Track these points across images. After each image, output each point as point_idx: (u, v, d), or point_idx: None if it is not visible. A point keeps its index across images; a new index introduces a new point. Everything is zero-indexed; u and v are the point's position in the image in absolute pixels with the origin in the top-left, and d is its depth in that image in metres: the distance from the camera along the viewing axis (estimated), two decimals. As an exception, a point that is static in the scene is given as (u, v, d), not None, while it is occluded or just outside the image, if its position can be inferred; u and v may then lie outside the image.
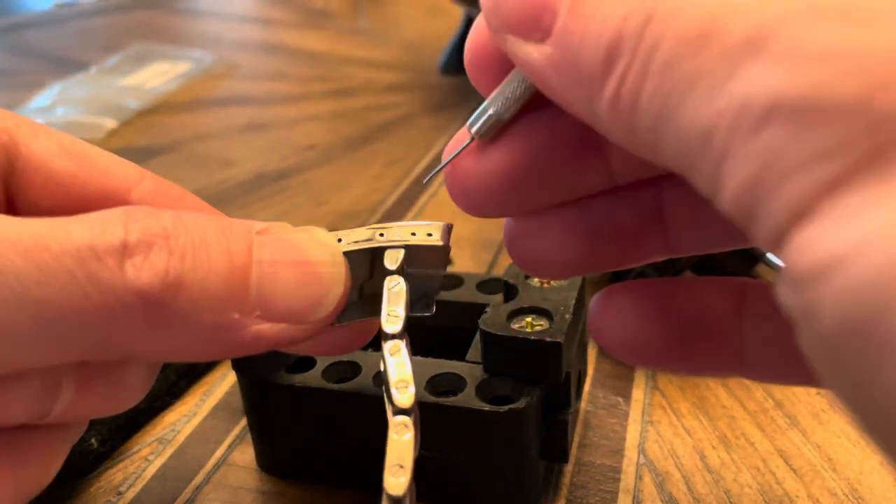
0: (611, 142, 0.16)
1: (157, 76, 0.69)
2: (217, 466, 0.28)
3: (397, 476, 0.17)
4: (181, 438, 0.29)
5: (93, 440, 0.28)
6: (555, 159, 0.17)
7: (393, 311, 0.19)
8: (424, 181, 0.20)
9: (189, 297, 0.16)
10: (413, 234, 0.20)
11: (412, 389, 0.18)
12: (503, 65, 0.16)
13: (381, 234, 0.19)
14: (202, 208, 0.21)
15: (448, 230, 0.20)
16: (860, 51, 0.11)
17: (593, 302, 0.19)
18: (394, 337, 0.19)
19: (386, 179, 0.50)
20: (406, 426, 0.18)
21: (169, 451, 0.28)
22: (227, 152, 0.55)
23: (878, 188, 0.10)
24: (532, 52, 0.14)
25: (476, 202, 0.18)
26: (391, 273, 0.19)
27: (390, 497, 0.17)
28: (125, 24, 0.90)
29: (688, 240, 0.18)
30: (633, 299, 0.19)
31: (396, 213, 0.46)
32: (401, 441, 0.17)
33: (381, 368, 0.19)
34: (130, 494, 0.26)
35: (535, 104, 0.17)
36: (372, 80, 0.68)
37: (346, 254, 0.19)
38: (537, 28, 0.14)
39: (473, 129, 0.17)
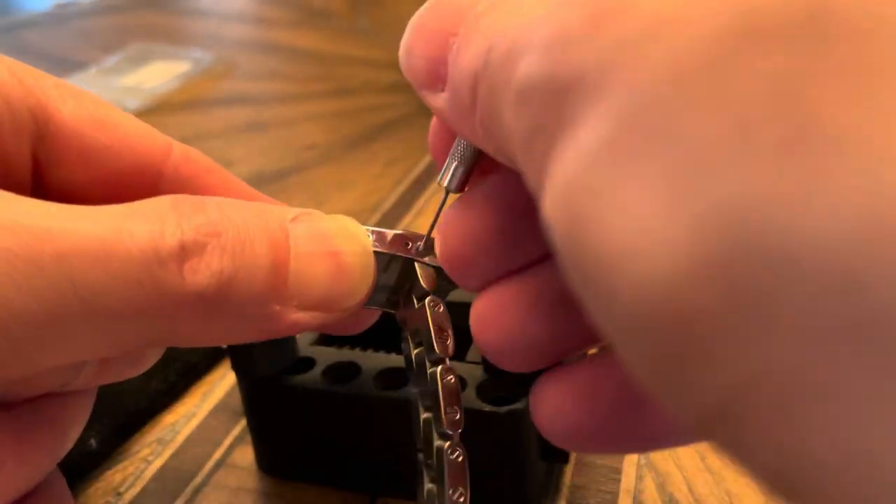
0: None
1: (156, 76, 0.69)
2: (217, 467, 0.27)
3: (458, 498, 0.19)
4: (181, 439, 0.29)
5: (92, 441, 0.28)
6: (522, 212, 0.17)
7: (441, 332, 0.19)
8: (427, 240, 0.20)
9: (238, 293, 0.17)
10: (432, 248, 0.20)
11: (460, 415, 0.19)
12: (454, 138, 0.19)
13: (407, 244, 0.20)
14: (229, 179, 0.21)
15: (431, 242, 0.20)
16: (555, 32, 0.12)
17: (531, 394, 0.18)
18: (443, 359, 0.19)
19: (386, 179, 0.50)
20: (457, 449, 0.19)
21: (168, 452, 0.28)
22: (226, 152, 0.54)
23: (562, 147, 0.12)
24: (437, 101, 0.17)
25: (463, 263, 0.18)
26: (427, 293, 0.20)
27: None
28: (124, 23, 0.90)
29: None
30: (564, 385, 0.17)
31: (396, 213, 0.46)
32: (457, 463, 0.19)
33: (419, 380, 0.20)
34: (130, 495, 0.26)
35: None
36: (372, 80, 0.67)
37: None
38: (437, 80, 0.17)
39: (444, 183, 0.19)
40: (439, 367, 0.19)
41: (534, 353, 0.17)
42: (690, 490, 0.25)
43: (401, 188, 0.49)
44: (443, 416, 0.19)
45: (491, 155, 0.16)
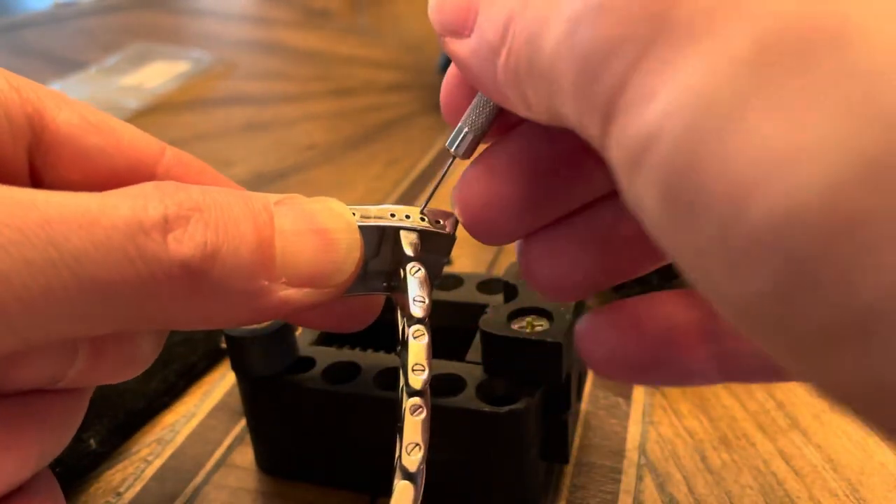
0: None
1: (156, 76, 0.69)
2: (216, 467, 0.27)
3: (413, 454, 0.18)
4: (180, 439, 0.29)
5: (91, 441, 0.28)
6: (548, 169, 0.18)
7: (419, 296, 0.20)
8: (424, 207, 0.21)
9: (224, 266, 0.17)
10: (422, 218, 0.20)
11: (427, 374, 0.19)
12: (470, 101, 0.19)
13: (392, 215, 0.20)
14: (220, 181, 0.22)
15: (456, 220, 0.21)
16: None
17: (578, 326, 0.20)
18: (419, 321, 0.19)
19: (386, 179, 0.50)
20: (420, 407, 0.19)
21: (168, 452, 0.28)
22: (226, 152, 0.54)
23: (664, 68, 0.11)
24: (461, 47, 0.17)
25: (488, 227, 0.19)
26: (410, 259, 0.20)
27: (405, 471, 0.18)
28: (124, 23, 0.90)
29: None
30: (612, 319, 0.19)
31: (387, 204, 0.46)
32: (415, 420, 0.18)
33: (399, 351, 0.20)
34: (129, 495, 0.26)
35: (513, 123, 0.19)
36: (372, 80, 0.67)
37: (359, 227, 0.20)
38: (464, 27, 0.17)
39: (452, 148, 0.19)
40: (413, 327, 0.19)
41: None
42: (690, 490, 0.25)
43: (401, 188, 0.49)
44: (409, 371, 0.19)
45: (510, 107, 0.16)
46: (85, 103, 0.20)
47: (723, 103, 0.10)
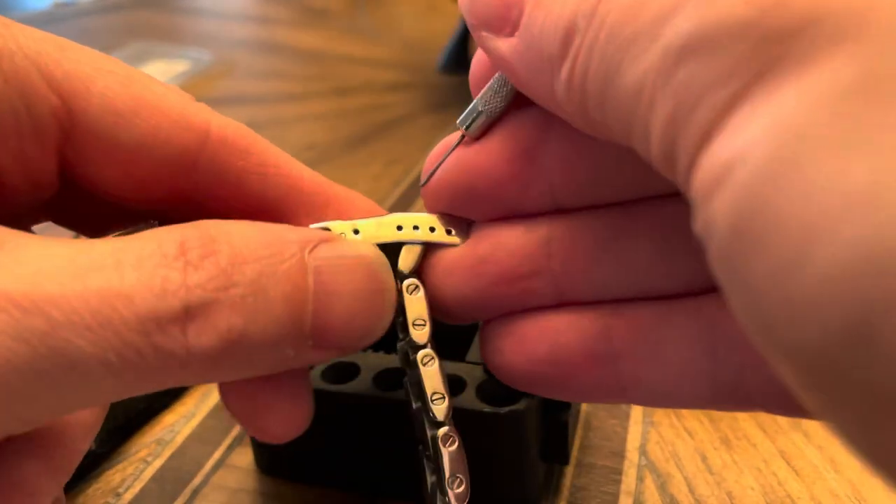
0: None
1: (155, 75, 0.68)
2: (216, 468, 0.27)
3: (457, 487, 0.18)
4: (180, 440, 0.29)
5: (90, 441, 0.27)
6: (531, 161, 0.18)
7: (418, 319, 0.19)
8: (422, 183, 0.20)
9: (249, 347, 0.15)
10: (432, 228, 0.19)
11: (448, 402, 0.19)
12: None
13: (400, 228, 0.19)
14: (267, 165, 0.19)
15: (468, 226, 0.20)
16: None
17: (483, 333, 0.19)
18: (423, 346, 0.19)
19: (386, 179, 0.50)
20: (451, 437, 0.18)
21: (168, 453, 0.28)
22: (226, 152, 0.54)
23: (764, 100, 0.11)
24: (502, 46, 0.16)
25: (461, 195, 0.18)
26: (406, 276, 0.19)
27: None
28: (123, 23, 0.90)
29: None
30: (504, 332, 0.19)
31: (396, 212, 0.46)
32: (451, 451, 0.18)
33: (409, 376, 0.19)
34: (129, 496, 0.26)
35: (521, 103, 0.18)
36: (371, 79, 0.67)
37: None
38: (506, 23, 0.15)
39: (464, 126, 0.18)
40: (420, 353, 0.19)
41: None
42: (691, 491, 0.25)
43: (400, 188, 0.49)
44: (429, 403, 0.19)
45: (562, 116, 0.15)
46: (119, 69, 0.18)
47: (808, 139, 0.10)
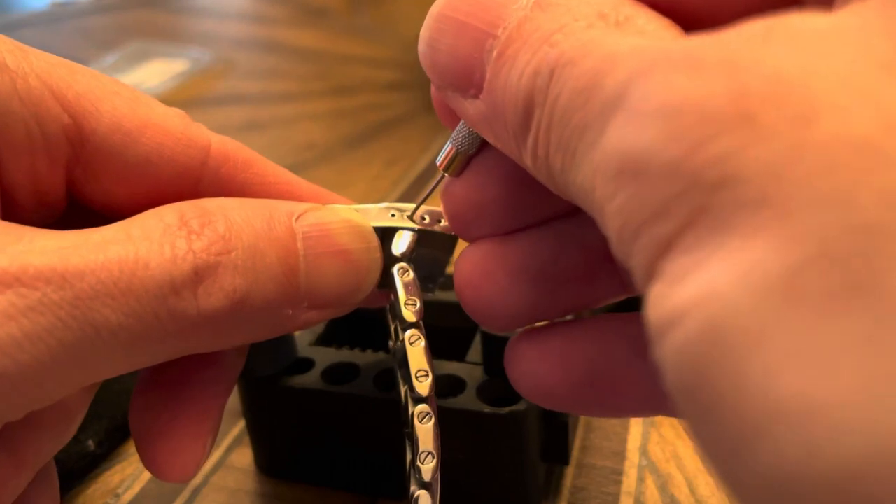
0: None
1: (154, 75, 0.69)
2: (215, 468, 0.27)
3: (427, 462, 0.18)
4: (179, 440, 0.29)
5: (90, 442, 0.27)
6: (519, 183, 0.17)
7: (410, 300, 0.20)
8: (414, 213, 0.21)
9: (252, 307, 0.17)
10: (424, 218, 0.20)
11: (432, 379, 0.19)
12: None
13: (393, 215, 0.20)
14: (267, 176, 0.20)
15: None
16: (684, 106, 0.10)
17: (507, 348, 0.18)
18: (412, 326, 0.19)
19: (386, 179, 0.50)
20: (427, 413, 0.19)
21: (167, 453, 0.28)
22: (225, 151, 0.54)
23: (698, 251, 0.10)
24: (469, 108, 0.15)
25: (464, 226, 0.18)
26: (398, 260, 0.20)
27: (420, 481, 0.18)
28: (122, 22, 0.90)
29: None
30: (540, 344, 0.18)
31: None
32: (426, 428, 0.19)
33: (395, 351, 0.20)
34: (128, 496, 0.26)
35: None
36: (371, 79, 0.67)
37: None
38: (470, 85, 0.14)
39: (443, 169, 0.18)
40: (408, 332, 0.19)
41: (514, 317, 0.18)
42: (692, 491, 0.25)
43: (400, 188, 0.48)
44: (413, 379, 0.19)
45: (539, 178, 0.14)
46: (125, 92, 0.19)
47: (731, 329, 0.09)
